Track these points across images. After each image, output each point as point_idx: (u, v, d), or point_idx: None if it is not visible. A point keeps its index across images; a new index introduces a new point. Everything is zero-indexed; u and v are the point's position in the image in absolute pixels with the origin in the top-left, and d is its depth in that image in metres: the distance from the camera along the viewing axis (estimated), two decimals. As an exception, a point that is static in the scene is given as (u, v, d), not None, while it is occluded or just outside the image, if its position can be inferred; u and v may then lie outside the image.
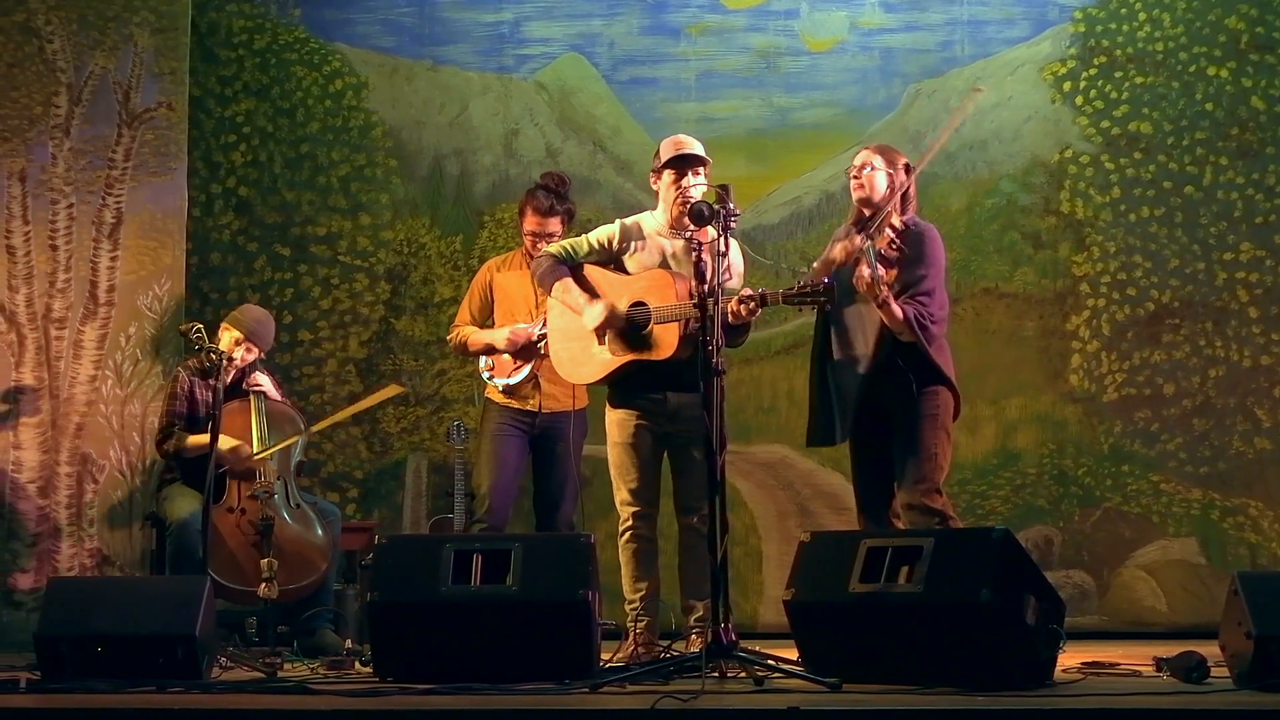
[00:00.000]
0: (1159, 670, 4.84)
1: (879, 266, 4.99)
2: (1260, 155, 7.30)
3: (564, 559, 4.82)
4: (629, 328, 5.25)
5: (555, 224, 6.06)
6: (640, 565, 5.32)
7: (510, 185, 7.50)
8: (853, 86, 7.54)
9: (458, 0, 7.70)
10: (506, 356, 6.05)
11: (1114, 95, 7.40)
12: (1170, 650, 4.88)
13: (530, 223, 6.08)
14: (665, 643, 5.30)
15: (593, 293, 5.35)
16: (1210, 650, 4.71)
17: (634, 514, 5.32)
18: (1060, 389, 7.29)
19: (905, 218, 5.21)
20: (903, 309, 5.07)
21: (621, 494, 5.35)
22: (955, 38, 7.50)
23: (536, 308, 6.01)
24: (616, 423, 5.36)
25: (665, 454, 5.38)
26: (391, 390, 6.44)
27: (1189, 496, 7.20)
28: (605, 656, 5.00)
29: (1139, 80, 7.39)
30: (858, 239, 5.14)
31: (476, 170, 7.68)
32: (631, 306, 5.26)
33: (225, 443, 5.93)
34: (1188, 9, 7.38)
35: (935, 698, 4.22)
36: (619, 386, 5.36)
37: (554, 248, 5.51)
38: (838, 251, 5.21)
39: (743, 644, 4.70)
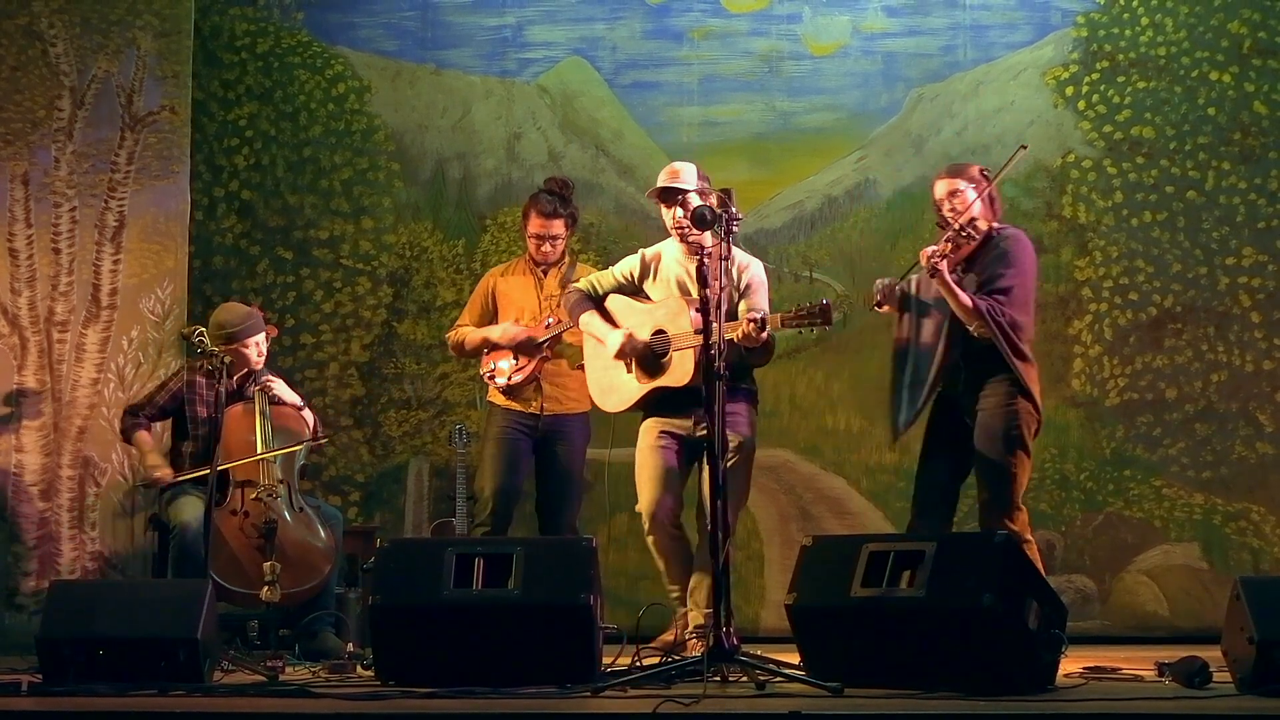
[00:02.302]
0: (1161, 675, 4.84)
1: (943, 243, 5.19)
2: (1262, 160, 7.30)
3: (566, 563, 4.82)
4: (650, 355, 5.45)
5: (559, 226, 6.11)
6: (670, 561, 5.51)
7: (513, 189, 7.51)
8: (855, 90, 7.54)
9: (460, 4, 7.70)
10: (505, 362, 6.06)
11: (1116, 100, 7.40)
12: (1172, 655, 4.88)
13: (534, 225, 6.13)
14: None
15: (615, 323, 5.60)
16: (1212, 655, 4.71)
17: (653, 517, 5.45)
18: (1062, 393, 7.28)
19: (992, 225, 5.36)
20: (973, 299, 5.20)
21: (644, 499, 5.48)
22: (957, 42, 7.50)
23: (540, 312, 6.06)
24: (644, 430, 5.55)
25: (695, 465, 5.51)
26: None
27: (1191, 501, 7.19)
28: (606, 660, 5.00)
29: (1141, 85, 7.39)
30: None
31: (479, 174, 7.68)
32: (653, 335, 5.46)
33: (152, 459, 6.11)
34: (1190, 14, 7.38)
35: (937, 702, 4.22)
36: (649, 405, 5.54)
37: (582, 283, 5.76)
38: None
39: (744, 648, 4.70)
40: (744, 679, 4.61)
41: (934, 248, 5.23)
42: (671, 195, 5.52)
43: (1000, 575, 4.39)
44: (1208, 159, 7.32)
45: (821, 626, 4.67)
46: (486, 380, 6.18)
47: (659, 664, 4.84)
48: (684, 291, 5.50)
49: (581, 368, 5.85)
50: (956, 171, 5.49)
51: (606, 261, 7.41)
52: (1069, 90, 7.42)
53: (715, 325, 4.77)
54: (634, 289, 5.66)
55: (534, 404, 6.08)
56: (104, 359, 7.20)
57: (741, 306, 5.44)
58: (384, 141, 7.68)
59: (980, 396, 5.30)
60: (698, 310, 5.06)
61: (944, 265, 5.19)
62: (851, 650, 4.57)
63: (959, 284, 5.24)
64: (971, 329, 5.23)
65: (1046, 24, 7.46)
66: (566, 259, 6.28)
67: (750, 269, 5.56)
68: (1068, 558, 7.18)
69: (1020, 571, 4.49)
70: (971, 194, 5.36)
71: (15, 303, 7.21)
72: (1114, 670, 5.06)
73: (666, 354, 5.42)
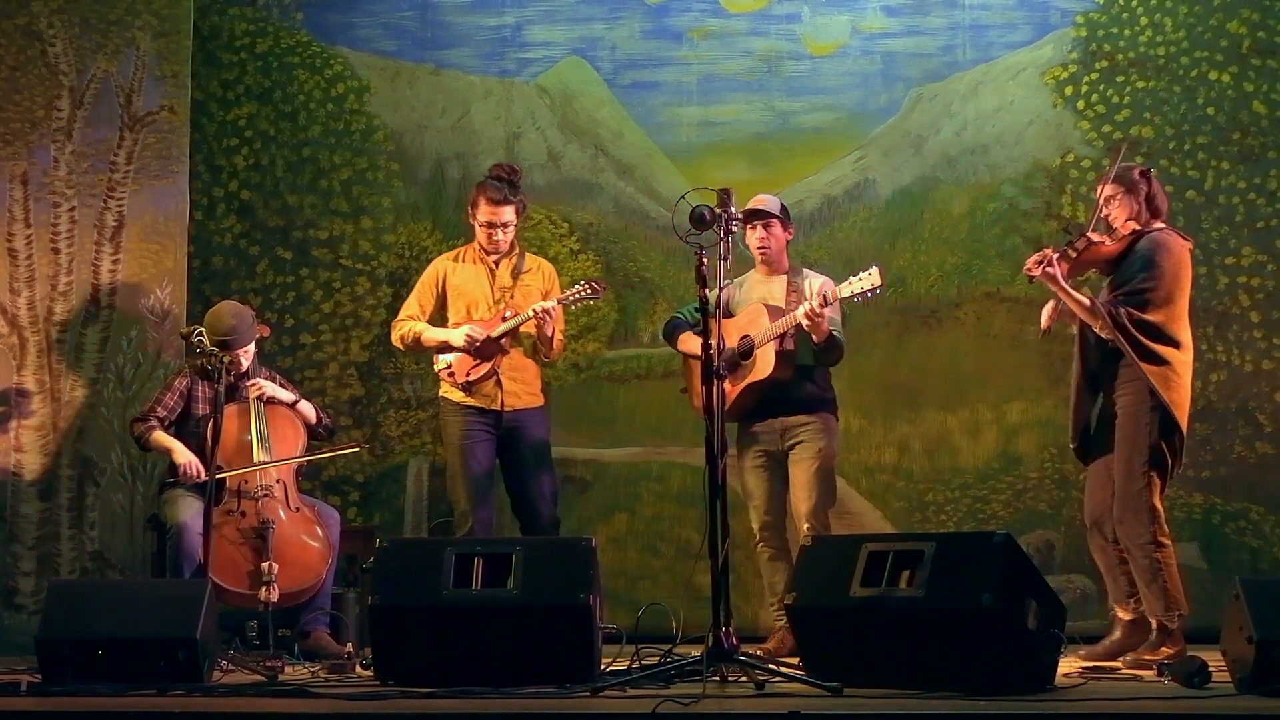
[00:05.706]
0: (1160, 675, 4.85)
1: (1052, 250, 5.32)
2: (1261, 160, 7.30)
3: (565, 562, 4.83)
4: (737, 359, 5.86)
5: (509, 213, 6.15)
6: (773, 570, 5.98)
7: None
8: (854, 90, 7.54)
9: (460, 4, 7.70)
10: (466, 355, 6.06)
11: (1115, 100, 7.40)
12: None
13: (484, 213, 6.15)
14: (666, 646, 5.31)
15: None
16: (1212, 655, 4.71)
17: (760, 528, 5.99)
18: (1062, 393, 7.21)
19: (1143, 227, 5.46)
20: (1091, 299, 5.34)
21: (753, 517, 6.01)
22: (957, 42, 7.50)
23: (493, 304, 6.08)
24: (740, 449, 5.99)
25: (785, 469, 5.98)
26: (350, 448, 6.59)
27: (1190, 501, 7.19)
28: (604, 660, 5.00)
29: (1140, 85, 7.39)
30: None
31: (478, 174, 7.61)
32: (740, 340, 5.87)
33: (181, 454, 6.06)
34: (1189, 13, 7.38)
35: (936, 702, 4.22)
36: (745, 417, 5.98)
37: (684, 311, 6.15)
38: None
39: (744, 648, 4.70)
40: (743, 679, 4.62)
41: (1037, 255, 5.34)
42: (754, 217, 5.96)
43: (1000, 575, 4.39)
44: (1207, 159, 7.32)
45: (821, 626, 4.68)
46: (444, 377, 6.15)
47: (658, 664, 4.85)
48: (766, 305, 5.95)
49: (686, 391, 6.08)
50: (1117, 177, 5.55)
51: (606, 260, 7.45)
52: (1068, 90, 7.42)
53: (714, 325, 4.91)
54: (725, 313, 5.90)
55: (495, 400, 6.06)
56: (103, 359, 7.20)
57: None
58: (383, 141, 7.68)
59: (1117, 397, 5.45)
60: (779, 313, 5.81)
61: (1043, 271, 5.26)
62: (851, 650, 4.57)
63: (1078, 288, 5.44)
64: (1097, 330, 5.39)
65: (1046, 24, 7.46)
66: (517, 249, 6.28)
67: (822, 282, 5.99)
68: (1068, 558, 7.17)
69: (1020, 571, 4.49)
70: (1128, 202, 5.48)
71: (15, 302, 7.20)
72: (1113, 670, 5.07)
73: (750, 356, 5.86)
